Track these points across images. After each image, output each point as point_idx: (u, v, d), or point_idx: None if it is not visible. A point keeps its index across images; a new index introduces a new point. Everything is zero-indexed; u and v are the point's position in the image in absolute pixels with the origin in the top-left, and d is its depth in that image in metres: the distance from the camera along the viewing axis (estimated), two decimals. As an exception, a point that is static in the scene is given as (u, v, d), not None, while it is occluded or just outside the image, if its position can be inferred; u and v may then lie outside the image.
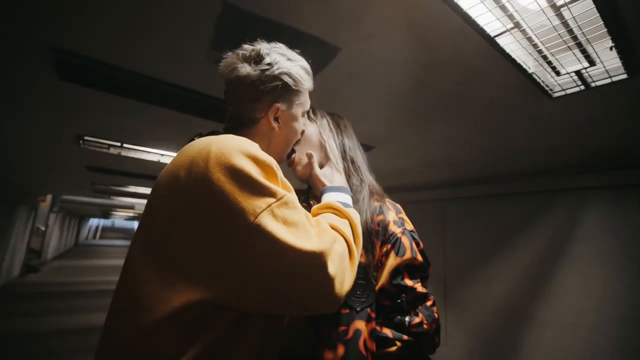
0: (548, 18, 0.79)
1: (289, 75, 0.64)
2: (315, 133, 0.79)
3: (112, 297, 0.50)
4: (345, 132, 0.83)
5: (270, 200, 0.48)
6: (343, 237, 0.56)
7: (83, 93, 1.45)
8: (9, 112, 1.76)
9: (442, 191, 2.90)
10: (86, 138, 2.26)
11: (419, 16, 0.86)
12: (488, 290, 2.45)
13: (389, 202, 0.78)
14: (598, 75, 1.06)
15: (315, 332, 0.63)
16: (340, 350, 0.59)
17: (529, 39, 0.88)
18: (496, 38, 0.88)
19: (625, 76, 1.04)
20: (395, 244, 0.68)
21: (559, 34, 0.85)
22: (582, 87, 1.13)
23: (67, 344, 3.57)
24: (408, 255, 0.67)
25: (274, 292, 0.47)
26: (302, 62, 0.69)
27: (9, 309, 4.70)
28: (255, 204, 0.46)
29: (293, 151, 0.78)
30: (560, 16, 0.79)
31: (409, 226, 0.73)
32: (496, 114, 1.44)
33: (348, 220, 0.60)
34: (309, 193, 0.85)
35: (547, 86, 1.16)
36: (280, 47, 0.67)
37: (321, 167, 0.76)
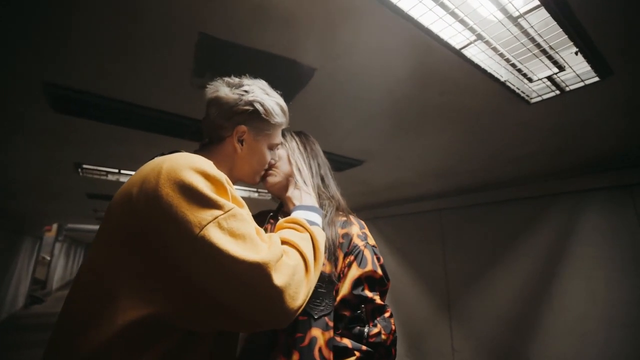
0: (507, 29, 0.82)
1: (261, 104, 0.70)
2: (286, 156, 0.83)
3: (58, 315, 0.50)
4: (313, 152, 0.87)
5: (218, 212, 0.49)
6: (297, 250, 0.56)
7: (77, 123, 1.50)
8: (7, 143, 1.82)
9: (439, 201, 2.89)
10: (84, 166, 2.31)
11: (386, 36, 0.89)
12: (492, 299, 2.39)
13: (353, 218, 0.81)
14: (571, 80, 1.08)
15: (271, 337, 0.63)
16: (295, 357, 0.60)
17: (494, 49, 0.91)
18: (462, 50, 0.91)
19: (597, 79, 1.06)
20: (358, 256, 0.71)
21: (522, 43, 0.88)
22: (558, 92, 1.14)
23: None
24: (369, 267, 0.69)
25: (221, 307, 0.46)
26: (279, 99, 0.75)
27: (14, 340, 4.65)
28: (201, 216, 0.47)
29: (268, 167, 0.82)
30: (519, 26, 0.82)
31: (371, 241, 0.76)
32: (481, 122, 1.46)
33: (310, 235, 0.62)
34: (279, 211, 0.88)
35: (524, 92, 1.18)
36: (262, 83, 0.75)
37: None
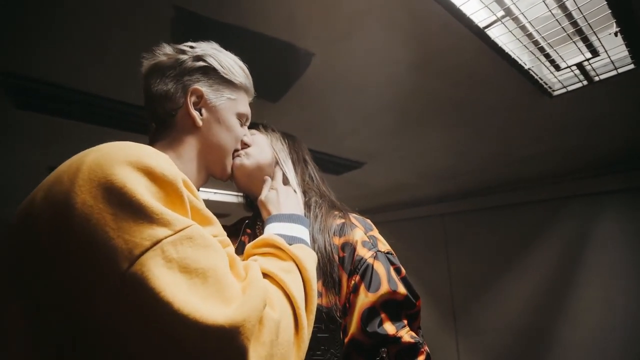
0: (543, 0, 0.69)
1: (214, 58, 0.54)
2: (267, 143, 0.65)
3: None
4: (299, 147, 0.71)
5: (163, 232, 0.31)
6: (283, 292, 0.38)
7: (45, 121, 1.34)
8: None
9: (443, 205, 2.76)
10: (62, 171, 2.14)
11: (395, 12, 0.76)
12: (501, 310, 2.25)
13: (354, 218, 0.62)
14: (602, 68, 0.96)
15: None
16: None
17: (523, 29, 0.78)
18: (486, 30, 0.78)
19: (632, 66, 0.94)
20: (366, 274, 0.51)
21: (557, 20, 0.75)
22: (585, 82, 1.02)
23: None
24: (385, 287, 0.50)
25: None
26: (237, 59, 0.60)
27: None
28: (135, 240, 0.29)
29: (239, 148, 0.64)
30: (557, -2, 0.69)
31: (384, 247, 0.57)
32: (495, 118, 1.33)
33: (294, 262, 0.43)
34: (256, 219, 0.66)
35: (546, 84, 1.05)
36: (214, 44, 0.58)
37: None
